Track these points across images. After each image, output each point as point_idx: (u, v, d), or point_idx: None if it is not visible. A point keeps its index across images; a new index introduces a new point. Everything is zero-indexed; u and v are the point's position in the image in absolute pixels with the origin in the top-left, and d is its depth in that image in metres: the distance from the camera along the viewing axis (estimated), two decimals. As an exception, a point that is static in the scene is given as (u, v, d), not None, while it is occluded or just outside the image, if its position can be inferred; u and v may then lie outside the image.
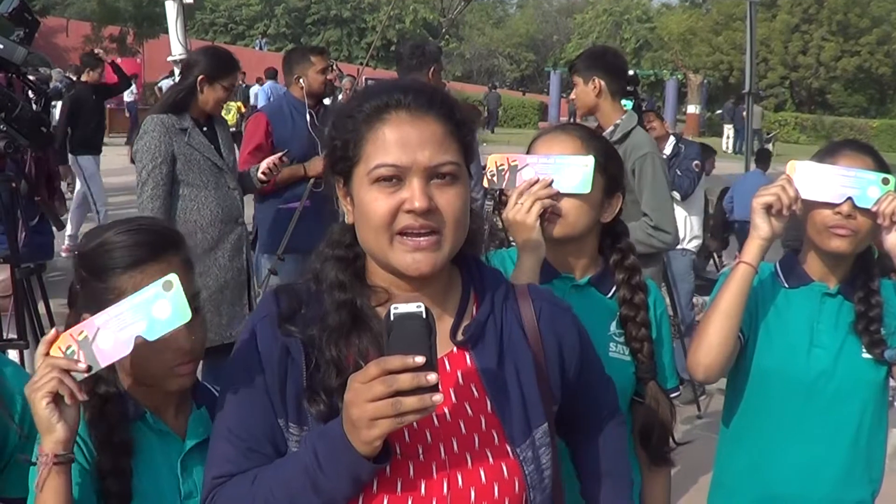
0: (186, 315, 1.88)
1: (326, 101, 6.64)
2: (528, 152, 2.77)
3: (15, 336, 4.96)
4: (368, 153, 1.81)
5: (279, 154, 5.67)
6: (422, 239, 1.79)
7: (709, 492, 3.11)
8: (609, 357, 2.63)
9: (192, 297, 2.11)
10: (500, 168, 2.68)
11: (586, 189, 2.58)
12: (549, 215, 2.60)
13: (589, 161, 2.58)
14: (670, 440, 2.76)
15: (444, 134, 1.83)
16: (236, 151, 5.74)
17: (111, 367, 2.13)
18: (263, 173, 5.60)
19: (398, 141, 1.79)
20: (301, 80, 6.43)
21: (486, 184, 2.72)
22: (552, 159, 2.61)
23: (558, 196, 2.59)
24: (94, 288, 2.09)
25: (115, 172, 17.66)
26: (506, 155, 2.70)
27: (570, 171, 2.58)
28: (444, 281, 1.95)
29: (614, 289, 2.73)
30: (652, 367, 2.71)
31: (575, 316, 2.10)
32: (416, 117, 1.81)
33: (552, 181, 2.58)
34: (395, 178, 1.79)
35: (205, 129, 5.31)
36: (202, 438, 2.17)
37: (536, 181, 2.58)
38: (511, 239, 2.64)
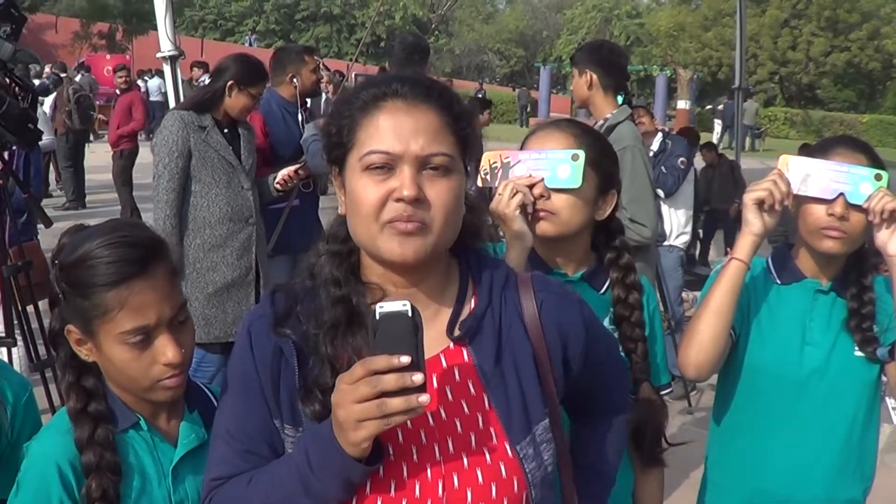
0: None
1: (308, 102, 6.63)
2: (521, 149, 2.76)
3: (3, 334, 4.94)
4: (362, 140, 1.80)
5: (295, 167, 5.77)
6: (409, 224, 1.75)
7: (699, 489, 3.10)
8: None
9: (180, 308, 2.09)
10: (493, 166, 2.67)
11: (576, 183, 2.56)
12: (542, 213, 2.59)
13: (579, 155, 2.56)
14: (663, 441, 2.76)
15: (440, 125, 1.80)
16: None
17: (101, 379, 2.12)
18: (279, 185, 5.75)
19: (392, 128, 1.77)
20: (295, 80, 6.39)
21: (479, 182, 2.69)
22: (543, 154, 2.61)
23: (548, 191, 2.58)
24: (77, 302, 2.04)
25: (101, 170, 17.61)
26: (499, 152, 2.69)
27: (560, 166, 2.57)
28: (442, 273, 1.92)
29: (607, 284, 2.71)
30: (646, 367, 2.69)
31: (583, 307, 2.06)
32: (411, 106, 1.80)
33: (542, 179, 2.57)
34: (387, 165, 1.76)
35: (226, 130, 5.39)
36: (194, 446, 2.14)
37: (528, 177, 2.58)
38: (501, 233, 2.63)
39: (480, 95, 43.85)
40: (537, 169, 2.60)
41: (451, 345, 1.88)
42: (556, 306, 1.98)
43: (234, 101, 5.34)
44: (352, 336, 1.81)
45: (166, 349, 2.04)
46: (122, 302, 1.98)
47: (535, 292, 1.97)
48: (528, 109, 46.61)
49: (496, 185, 2.65)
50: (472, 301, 1.94)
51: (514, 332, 1.92)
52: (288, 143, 6.20)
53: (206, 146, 5.20)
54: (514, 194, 2.53)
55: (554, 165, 2.58)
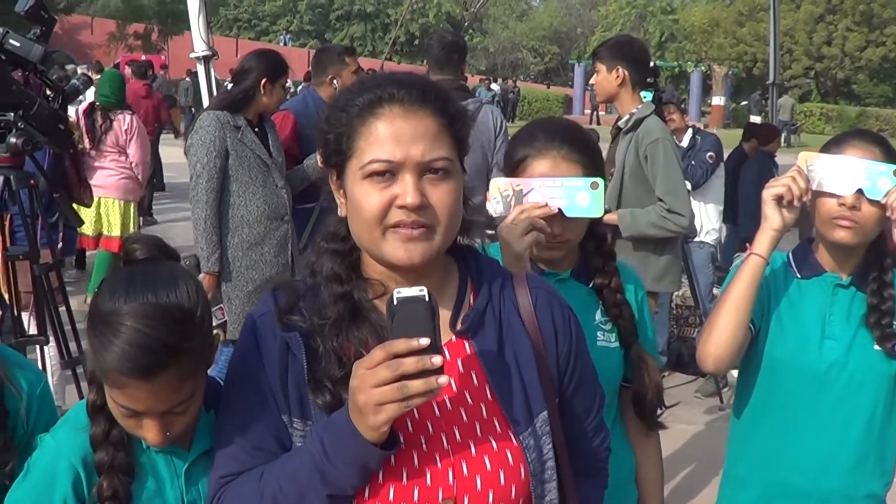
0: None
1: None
2: (515, 169, 2.69)
3: (35, 332, 5.00)
4: (361, 148, 1.80)
5: None
6: (414, 230, 1.78)
7: (720, 482, 3.11)
8: (597, 347, 2.62)
9: (180, 403, 1.98)
10: (504, 194, 2.59)
11: (598, 212, 2.54)
12: (556, 244, 2.59)
13: (598, 183, 2.53)
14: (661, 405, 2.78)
15: (438, 128, 1.81)
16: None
17: None
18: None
19: (391, 136, 1.78)
20: (335, 81, 6.37)
21: (491, 211, 2.60)
22: (559, 182, 2.54)
23: (566, 219, 2.54)
24: (91, 340, 1.98)
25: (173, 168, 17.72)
26: (510, 181, 2.61)
27: (579, 194, 2.52)
28: (441, 272, 1.95)
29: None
30: (633, 329, 2.71)
31: (572, 310, 2.08)
32: (409, 112, 1.80)
33: (558, 209, 2.52)
34: (388, 172, 1.78)
35: (256, 129, 5.50)
36: (207, 447, 2.10)
37: (544, 206, 2.51)
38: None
39: (514, 92, 43.98)
40: (553, 197, 2.52)
41: (454, 338, 1.91)
42: (548, 302, 2.02)
43: (270, 98, 5.48)
44: (356, 330, 1.84)
45: (148, 433, 1.99)
46: (120, 385, 1.92)
47: (530, 289, 2.01)
48: (524, 108, 46.21)
49: (508, 213, 2.57)
50: (472, 297, 1.97)
51: (514, 326, 1.95)
52: None
53: (242, 146, 5.30)
54: (529, 231, 2.47)
55: (572, 194, 2.52)
